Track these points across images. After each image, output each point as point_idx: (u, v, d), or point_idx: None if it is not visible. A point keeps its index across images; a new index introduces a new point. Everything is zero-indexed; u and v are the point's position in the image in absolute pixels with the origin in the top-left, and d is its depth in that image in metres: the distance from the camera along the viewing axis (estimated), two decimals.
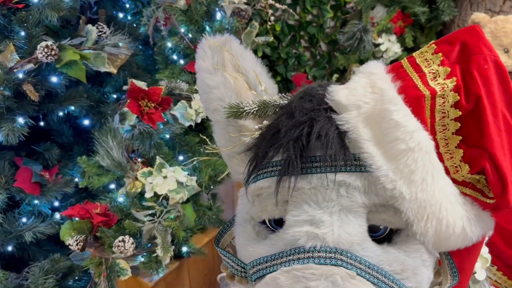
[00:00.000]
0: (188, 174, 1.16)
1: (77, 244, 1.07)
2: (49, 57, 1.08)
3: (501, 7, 1.55)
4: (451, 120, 0.52)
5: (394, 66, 0.57)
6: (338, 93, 0.53)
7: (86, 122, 1.35)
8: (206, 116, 1.16)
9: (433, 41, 0.56)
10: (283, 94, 0.62)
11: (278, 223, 0.56)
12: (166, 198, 1.08)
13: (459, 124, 0.52)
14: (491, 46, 0.53)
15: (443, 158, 0.53)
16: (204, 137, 1.04)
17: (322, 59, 1.96)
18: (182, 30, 1.30)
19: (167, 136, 1.27)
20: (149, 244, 1.08)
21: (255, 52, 1.69)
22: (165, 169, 1.11)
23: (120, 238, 1.02)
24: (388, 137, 0.50)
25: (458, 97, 0.51)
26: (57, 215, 1.28)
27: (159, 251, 1.01)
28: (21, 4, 1.12)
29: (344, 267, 0.48)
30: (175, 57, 1.36)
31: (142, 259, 1.08)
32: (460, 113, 0.51)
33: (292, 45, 1.91)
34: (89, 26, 1.21)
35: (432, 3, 1.72)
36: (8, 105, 1.12)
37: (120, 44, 1.23)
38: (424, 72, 0.54)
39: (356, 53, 1.73)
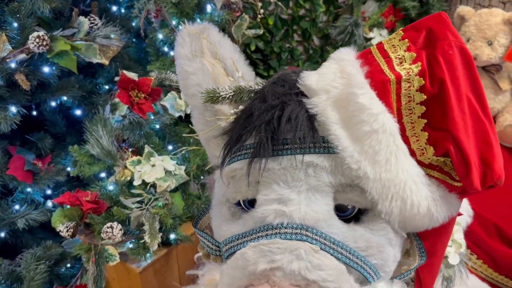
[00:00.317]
0: (177, 163, 1.18)
1: (67, 231, 1.09)
2: (41, 47, 1.10)
3: (490, 1, 1.56)
4: (416, 104, 0.53)
5: (364, 53, 0.58)
6: (308, 78, 0.55)
7: (78, 112, 1.37)
8: None
9: (401, 28, 0.58)
10: (258, 80, 0.64)
11: (251, 204, 0.57)
12: (154, 186, 1.10)
13: (424, 108, 0.53)
14: (456, 33, 0.55)
15: (410, 141, 0.54)
16: (193, 128, 1.06)
17: (315, 53, 1.97)
18: (173, 22, 1.32)
19: (157, 126, 1.29)
20: (138, 231, 1.10)
21: (248, 45, 1.71)
22: (154, 158, 1.14)
23: (109, 224, 1.04)
24: (354, 119, 0.52)
25: (423, 82, 0.52)
26: (49, 203, 1.30)
27: (146, 237, 1.04)
28: None
29: (309, 242, 0.50)
30: (166, 48, 1.37)
31: (131, 245, 1.10)
32: (425, 97, 0.52)
33: (285, 39, 1.92)
34: (81, 17, 1.22)
35: None
36: (1, 94, 1.14)
37: (112, 36, 1.24)
38: (390, 57, 0.55)
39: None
